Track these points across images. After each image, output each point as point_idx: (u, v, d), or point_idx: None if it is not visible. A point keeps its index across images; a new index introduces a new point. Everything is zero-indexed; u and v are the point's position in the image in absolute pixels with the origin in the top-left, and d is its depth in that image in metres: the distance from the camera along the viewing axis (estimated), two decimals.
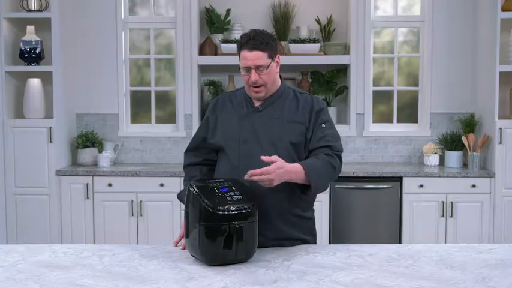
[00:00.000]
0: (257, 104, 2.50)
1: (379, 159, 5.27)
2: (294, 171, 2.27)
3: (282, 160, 2.25)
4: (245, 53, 2.39)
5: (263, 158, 2.22)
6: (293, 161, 2.37)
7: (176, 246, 2.45)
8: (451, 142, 4.99)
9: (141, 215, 4.76)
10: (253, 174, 2.19)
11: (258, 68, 2.39)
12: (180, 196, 2.58)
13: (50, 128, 4.77)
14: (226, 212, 2.11)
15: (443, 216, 4.69)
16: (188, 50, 5.15)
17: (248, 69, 2.40)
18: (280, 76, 2.53)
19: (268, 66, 2.40)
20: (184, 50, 5.16)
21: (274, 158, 2.23)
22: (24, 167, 4.76)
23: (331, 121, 2.51)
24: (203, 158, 2.62)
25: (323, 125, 2.45)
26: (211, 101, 2.70)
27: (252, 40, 2.38)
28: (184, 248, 2.37)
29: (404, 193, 4.69)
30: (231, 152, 2.47)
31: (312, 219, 2.57)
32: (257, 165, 2.23)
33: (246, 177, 2.21)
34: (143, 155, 5.31)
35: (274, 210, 2.39)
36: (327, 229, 4.71)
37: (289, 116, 2.46)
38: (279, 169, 2.20)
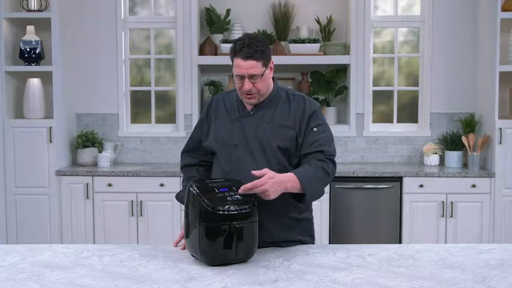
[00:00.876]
0: (249, 108, 2.45)
1: (379, 159, 5.27)
2: (288, 180, 2.22)
3: (272, 171, 2.19)
4: (239, 61, 2.33)
5: (254, 172, 2.18)
6: (283, 166, 2.35)
7: (176, 246, 2.45)
8: (451, 142, 4.99)
9: (141, 215, 4.76)
10: (246, 189, 2.15)
11: (252, 77, 2.33)
12: (178, 197, 2.57)
13: (50, 128, 4.77)
14: (226, 212, 2.11)
15: (443, 216, 4.69)
16: (188, 50, 5.15)
17: (242, 77, 2.35)
18: (273, 78, 2.47)
19: (263, 74, 2.35)
20: (184, 50, 5.16)
21: (265, 170, 2.19)
22: (24, 167, 4.76)
23: (324, 124, 2.44)
24: (199, 160, 2.60)
25: (315, 129, 2.39)
26: (206, 102, 2.66)
27: (247, 48, 2.31)
28: (184, 248, 2.37)
29: (404, 193, 4.69)
30: (222, 156, 2.45)
31: (309, 220, 2.54)
32: (247, 171, 2.22)
33: (240, 192, 2.17)
34: (143, 155, 5.31)
35: (268, 216, 2.34)
36: (327, 229, 4.70)
37: (280, 120, 2.41)
38: (270, 179, 2.15)
